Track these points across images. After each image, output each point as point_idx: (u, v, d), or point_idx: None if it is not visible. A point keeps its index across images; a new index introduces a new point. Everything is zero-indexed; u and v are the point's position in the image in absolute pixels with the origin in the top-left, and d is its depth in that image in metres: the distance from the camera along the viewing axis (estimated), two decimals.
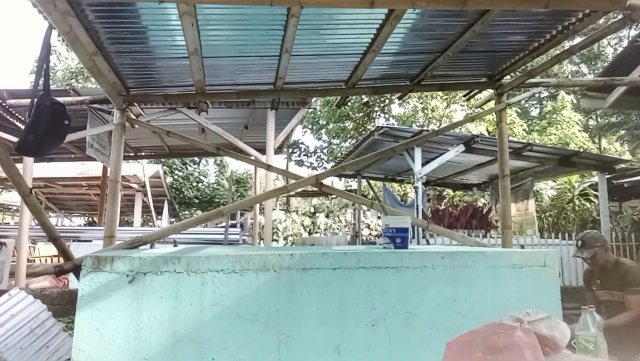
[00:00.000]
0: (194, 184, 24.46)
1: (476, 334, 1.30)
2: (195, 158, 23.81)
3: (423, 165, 7.74)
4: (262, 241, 8.82)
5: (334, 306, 1.99)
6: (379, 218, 16.95)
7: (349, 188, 17.85)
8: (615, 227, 9.22)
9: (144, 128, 4.96)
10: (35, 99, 2.59)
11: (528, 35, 3.22)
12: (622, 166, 9.55)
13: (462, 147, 7.65)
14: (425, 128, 13.01)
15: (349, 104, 16.25)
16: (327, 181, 3.66)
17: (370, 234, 17.34)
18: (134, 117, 4.00)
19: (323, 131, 19.27)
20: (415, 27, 3.02)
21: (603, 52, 21.34)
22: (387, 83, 4.03)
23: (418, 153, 7.67)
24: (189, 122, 7.24)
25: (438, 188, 13.91)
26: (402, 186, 16.14)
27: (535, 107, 21.52)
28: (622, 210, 11.13)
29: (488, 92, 4.36)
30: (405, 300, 2.04)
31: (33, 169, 7.13)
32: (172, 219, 18.83)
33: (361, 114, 17.51)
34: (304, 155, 20.57)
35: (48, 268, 7.85)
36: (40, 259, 11.30)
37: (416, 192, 7.65)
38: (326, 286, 2.00)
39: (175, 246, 5.99)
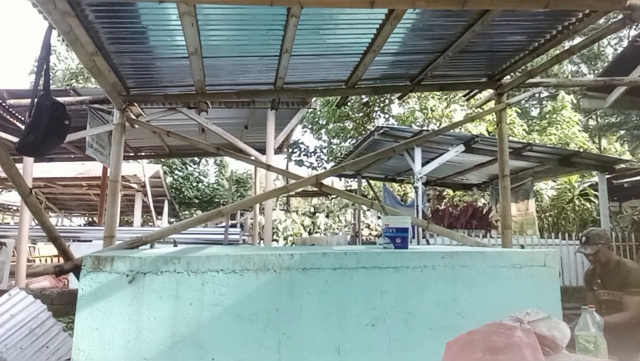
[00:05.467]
0: (194, 184, 24.46)
1: (476, 334, 1.30)
2: (195, 158, 23.81)
3: (423, 165, 7.74)
4: (262, 241, 8.82)
5: (334, 306, 1.99)
6: (379, 218, 16.95)
7: (349, 188, 17.85)
8: (615, 227, 9.21)
9: (144, 128, 4.97)
10: (35, 99, 2.59)
11: (528, 35, 3.23)
12: (622, 166, 9.55)
13: (462, 147, 7.65)
14: (425, 128, 13.02)
15: (349, 104, 16.26)
16: (327, 181, 3.66)
17: (370, 234, 17.34)
18: (134, 117, 4.00)
19: (323, 131, 19.28)
20: (415, 27, 3.02)
21: (603, 52, 21.34)
22: (387, 83, 4.03)
23: (418, 153, 7.67)
24: (189, 122, 7.24)
25: (438, 188, 13.91)
26: (402, 186, 16.13)
27: (535, 107, 21.52)
28: (622, 210, 11.12)
29: (488, 92, 4.36)
30: (405, 300, 2.04)
31: (33, 169, 7.14)
32: (172, 219, 18.84)
33: (361, 114, 17.51)
34: (304, 155, 20.59)
35: (48, 268, 7.85)
36: (40, 259, 11.30)
37: (416, 192, 7.65)
38: (326, 286, 2.00)
39: (175, 246, 5.99)
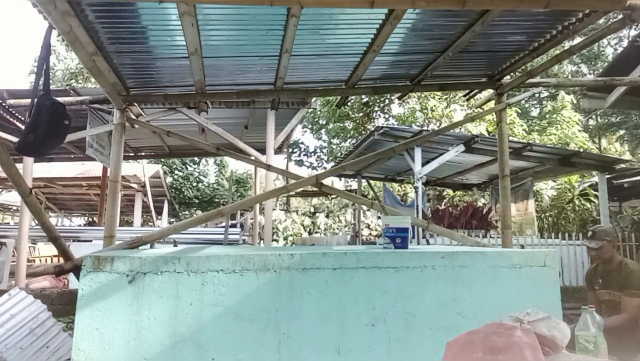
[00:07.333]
0: (194, 184, 24.46)
1: (476, 334, 1.30)
2: (195, 158, 23.82)
3: (423, 165, 7.74)
4: (262, 241, 8.82)
5: (334, 306, 1.99)
6: (379, 218, 16.95)
7: (349, 188, 17.85)
8: (615, 227, 9.22)
9: (144, 128, 4.97)
10: (35, 99, 2.59)
11: (528, 35, 3.22)
12: (622, 166, 9.55)
13: (462, 147, 7.65)
14: (425, 128, 13.02)
15: (349, 104, 16.26)
16: (327, 181, 3.66)
17: (370, 234, 17.34)
18: (134, 117, 4.00)
19: (323, 131, 19.27)
20: (415, 27, 3.02)
21: (603, 52, 21.36)
22: (387, 83, 4.03)
23: (418, 153, 7.67)
24: (189, 122, 7.24)
25: (438, 188, 13.91)
26: (402, 186, 16.14)
27: (535, 107, 21.53)
28: (622, 210, 11.13)
29: (488, 92, 4.36)
30: (405, 300, 2.04)
31: (33, 169, 7.13)
32: (172, 219, 18.84)
33: (361, 114, 17.51)
34: (304, 155, 20.58)
35: (48, 268, 7.86)
36: (40, 259, 11.29)
37: (416, 192, 7.65)
38: (326, 286, 2.00)
39: (175, 246, 5.99)
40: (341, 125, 18.02)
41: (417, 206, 7.54)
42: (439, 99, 15.22)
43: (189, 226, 3.51)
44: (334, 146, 19.05)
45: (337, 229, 19.83)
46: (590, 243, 3.25)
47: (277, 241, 17.42)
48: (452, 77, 3.94)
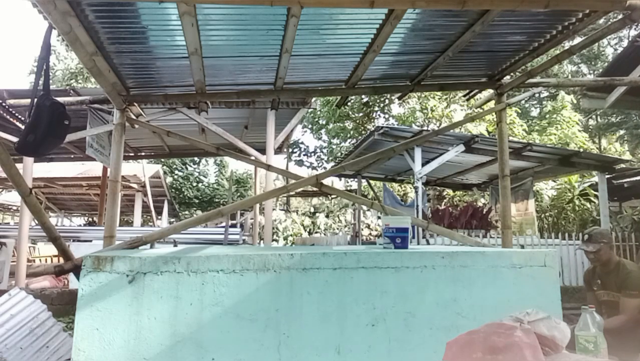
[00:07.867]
0: (194, 184, 24.46)
1: (476, 334, 1.30)
2: (195, 158, 23.82)
3: (423, 165, 7.74)
4: (262, 241, 8.82)
5: (334, 306, 1.99)
6: (379, 218, 16.95)
7: (349, 188, 17.85)
8: (615, 227, 9.21)
9: (144, 128, 4.97)
10: (35, 99, 2.59)
11: (528, 35, 3.23)
12: (622, 166, 9.55)
13: (462, 147, 7.65)
14: (425, 128, 13.01)
15: (349, 104, 16.26)
16: (327, 181, 3.66)
17: (370, 234, 17.34)
18: (134, 117, 4.00)
19: (323, 131, 19.27)
20: (415, 27, 3.02)
21: (603, 52, 21.36)
22: (387, 83, 4.03)
23: (418, 153, 7.67)
24: (189, 122, 7.24)
25: (438, 188, 13.91)
26: (402, 186, 16.13)
27: (535, 107, 21.53)
28: (622, 210, 11.12)
29: (488, 92, 4.36)
30: (405, 300, 2.04)
31: (33, 169, 7.13)
32: (172, 219, 18.84)
33: (361, 114, 17.51)
34: (304, 155, 20.58)
35: (48, 268, 7.85)
36: (40, 259, 11.30)
37: (416, 192, 7.65)
38: (326, 286, 2.00)
39: (175, 246, 5.99)
40: (341, 125, 18.01)
41: (417, 206, 7.54)
42: (439, 99, 15.21)
43: (189, 226, 3.51)
44: (334, 146, 19.05)
45: (337, 229, 19.83)
46: (587, 247, 3.24)
47: (277, 241, 17.41)
48: (452, 77, 3.94)
